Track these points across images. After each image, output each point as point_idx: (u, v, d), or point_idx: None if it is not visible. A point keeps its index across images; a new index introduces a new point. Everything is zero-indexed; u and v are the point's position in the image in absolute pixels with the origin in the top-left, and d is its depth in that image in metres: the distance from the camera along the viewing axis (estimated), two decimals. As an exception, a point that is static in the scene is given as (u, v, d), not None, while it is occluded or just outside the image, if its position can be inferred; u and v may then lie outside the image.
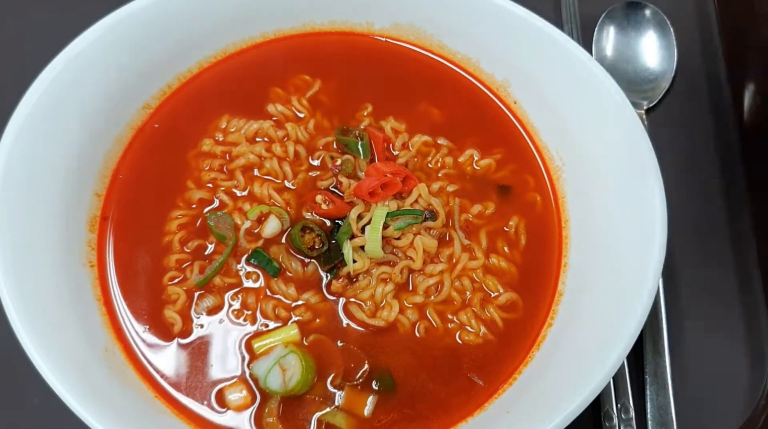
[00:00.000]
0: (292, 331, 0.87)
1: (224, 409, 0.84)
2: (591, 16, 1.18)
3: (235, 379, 0.85)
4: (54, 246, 0.86)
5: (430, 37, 1.06)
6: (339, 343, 0.88)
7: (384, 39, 1.07)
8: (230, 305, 0.89)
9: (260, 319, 0.89)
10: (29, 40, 1.14)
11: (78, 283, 0.88)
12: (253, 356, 0.86)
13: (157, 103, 1.01)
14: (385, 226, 0.90)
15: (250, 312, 0.89)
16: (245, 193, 0.96)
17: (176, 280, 0.91)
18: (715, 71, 1.16)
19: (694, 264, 1.02)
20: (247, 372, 0.85)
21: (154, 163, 0.98)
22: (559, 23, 1.16)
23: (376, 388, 0.85)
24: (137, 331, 0.88)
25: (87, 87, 0.92)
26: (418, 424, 0.84)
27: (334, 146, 1.00)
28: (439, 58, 1.07)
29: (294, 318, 0.89)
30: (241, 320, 0.89)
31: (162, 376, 0.86)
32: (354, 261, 0.90)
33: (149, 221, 0.94)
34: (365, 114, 1.03)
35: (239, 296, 0.90)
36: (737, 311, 0.99)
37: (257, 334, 0.88)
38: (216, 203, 0.95)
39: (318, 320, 0.89)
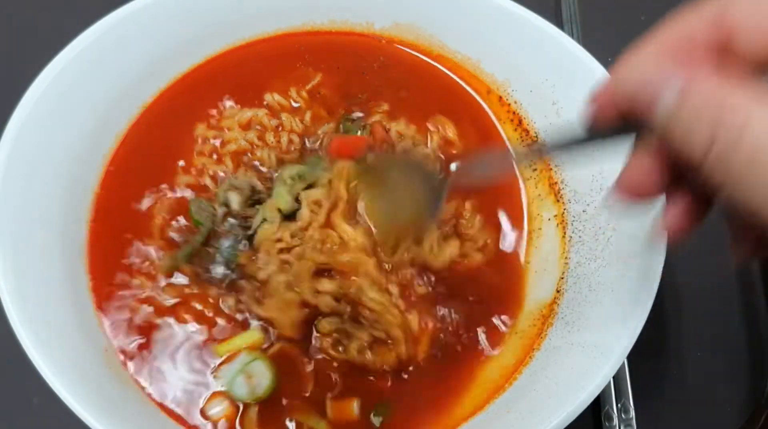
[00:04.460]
0: (255, 336, 0.86)
1: (206, 422, 0.82)
2: (591, 16, 1.18)
3: (210, 392, 0.83)
4: (54, 245, 0.86)
5: (429, 37, 1.06)
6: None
7: (384, 40, 1.08)
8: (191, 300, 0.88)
9: (222, 318, 0.87)
10: (29, 40, 1.14)
11: (78, 282, 0.87)
12: (219, 363, 0.85)
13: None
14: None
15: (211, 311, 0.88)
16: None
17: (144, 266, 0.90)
18: (715, 71, 1.16)
19: (694, 263, 1.02)
20: (213, 381, 0.84)
21: (146, 158, 0.98)
22: (559, 23, 1.16)
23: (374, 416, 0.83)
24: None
25: (87, 87, 0.92)
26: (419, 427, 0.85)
27: (341, 130, 0.99)
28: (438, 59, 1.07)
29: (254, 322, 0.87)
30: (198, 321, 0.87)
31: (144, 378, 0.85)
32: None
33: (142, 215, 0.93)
34: (380, 110, 1.02)
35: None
36: (737, 310, 0.99)
37: (221, 340, 0.86)
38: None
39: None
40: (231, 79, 1.03)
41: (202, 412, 0.83)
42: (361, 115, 1.01)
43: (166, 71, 1.01)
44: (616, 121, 0.62)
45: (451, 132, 1.01)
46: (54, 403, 0.74)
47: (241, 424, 0.82)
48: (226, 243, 0.89)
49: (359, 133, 0.98)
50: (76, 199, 0.92)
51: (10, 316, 0.76)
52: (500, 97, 1.04)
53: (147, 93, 1.00)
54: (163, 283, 0.89)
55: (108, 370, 0.82)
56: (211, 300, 0.88)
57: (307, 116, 1.01)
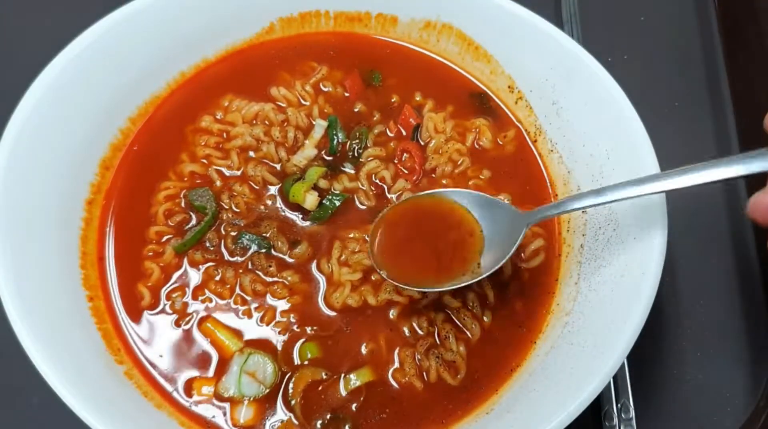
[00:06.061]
0: (236, 343, 0.86)
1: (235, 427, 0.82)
2: (591, 16, 1.18)
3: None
4: (54, 245, 0.86)
5: (428, 37, 1.06)
6: (309, 330, 0.87)
7: (384, 39, 1.08)
8: (209, 279, 0.89)
9: (232, 298, 0.89)
10: (29, 40, 1.14)
11: (78, 282, 0.88)
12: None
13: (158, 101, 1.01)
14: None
15: (228, 286, 0.89)
16: (238, 173, 0.96)
17: (151, 254, 0.91)
18: (715, 71, 1.16)
19: (694, 264, 1.02)
20: (222, 390, 0.83)
21: (151, 156, 0.98)
22: (559, 23, 1.16)
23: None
24: (132, 327, 0.88)
25: (87, 86, 0.92)
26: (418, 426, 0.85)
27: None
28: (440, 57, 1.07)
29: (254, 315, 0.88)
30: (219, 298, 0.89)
31: (154, 368, 0.86)
32: None
33: (143, 217, 0.94)
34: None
35: (218, 271, 0.90)
36: (737, 311, 0.99)
37: (217, 322, 0.87)
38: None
39: (293, 297, 0.89)
40: (235, 76, 1.04)
41: (234, 422, 0.82)
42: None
43: (168, 72, 1.01)
44: None
45: (486, 138, 1.01)
46: (54, 403, 0.74)
47: (284, 399, 0.82)
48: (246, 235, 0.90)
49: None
50: (77, 197, 0.92)
51: (11, 316, 0.77)
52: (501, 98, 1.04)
53: (148, 92, 1.00)
54: (164, 281, 0.90)
55: (108, 370, 0.82)
56: (223, 288, 0.89)
57: (315, 111, 1.01)
